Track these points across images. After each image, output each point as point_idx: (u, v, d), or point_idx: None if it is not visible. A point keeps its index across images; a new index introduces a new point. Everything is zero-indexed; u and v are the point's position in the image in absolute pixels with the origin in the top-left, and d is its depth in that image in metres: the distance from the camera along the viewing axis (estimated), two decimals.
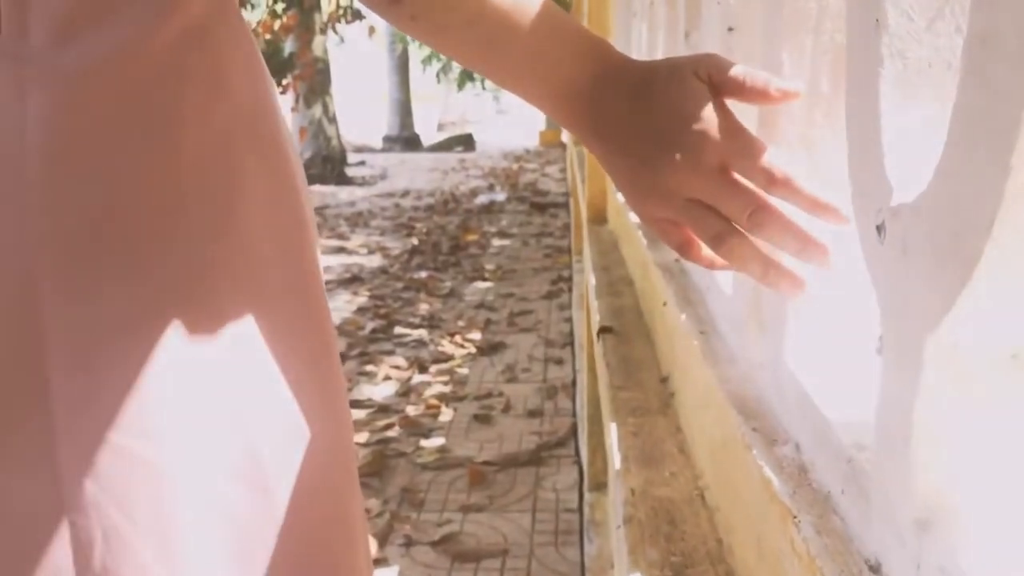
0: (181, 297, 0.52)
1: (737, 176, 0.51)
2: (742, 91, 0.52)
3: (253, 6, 8.84)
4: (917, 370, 0.35)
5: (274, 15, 8.62)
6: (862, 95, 0.40)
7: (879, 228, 0.38)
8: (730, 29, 0.75)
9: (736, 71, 0.53)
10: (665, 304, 0.97)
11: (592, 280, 1.53)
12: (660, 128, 0.52)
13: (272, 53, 8.84)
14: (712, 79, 0.52)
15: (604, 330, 1.16)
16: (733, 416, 0.60)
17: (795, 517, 0.45)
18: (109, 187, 0.50)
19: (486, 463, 2.50)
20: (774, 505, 0.49)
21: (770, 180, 0.49)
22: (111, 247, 0.50)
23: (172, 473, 0.51)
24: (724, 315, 0.77)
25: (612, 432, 0.83)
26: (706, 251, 0.53)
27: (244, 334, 0.54)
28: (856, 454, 0.44)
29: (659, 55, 1.32)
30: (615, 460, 0.77)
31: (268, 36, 8.77)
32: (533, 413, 2.86)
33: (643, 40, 1.54)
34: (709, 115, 0.51)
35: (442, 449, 2.61)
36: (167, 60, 0.52)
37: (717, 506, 0.67)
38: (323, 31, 9.22)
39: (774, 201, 0.50)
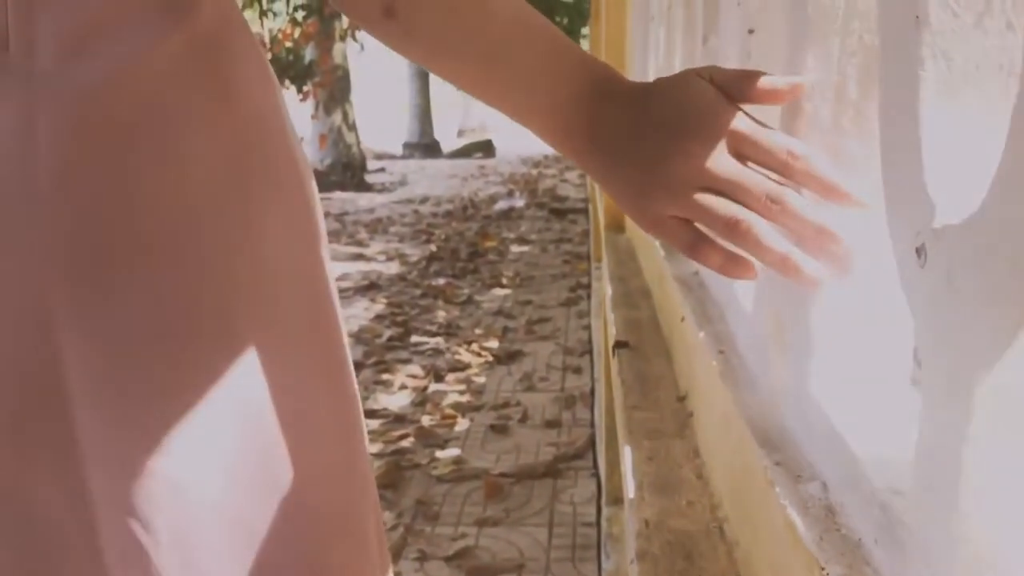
0: (194, 312, 0.51)
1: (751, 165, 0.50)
2: (747, 91, 0.50)
3: (275, 14, 8.87)
4: (965, 412, 0.31)
5: (294, 22, 8.65)
6: (899, 101, 0.36)
7: (919, 251, 0.34)
8: (750, 32, 0.71)
9: (739, 71, 0.51)
10: (683, 319, 0.92)
11: (608, 291, 1.48)
12: (668, 124, 0.51)
13: (292, 60, 8.87)
14: (715, 82, 0.51)
15: (619, 344, 1.12)
16: (754, 447, 0.55)
17: (823, 568, 0.41)
18: (119, 204, 0.50)
19: (502, 475, 2.46)
20: (798, 551, 0.44)
21: (790, 157, 0.47)
22: (123, 264, 0.50)
23: (192, 489, 0.51)
24: (744, 334, 0.73)
25: (626, 457, 0.78)
26: (717, 253, 0.50)
27: (257, 348, 0.54)
28: (891, 499, 0.40)
29: (677, 59, 1.28)
30: (629, 488, 0.73)
31: (289, 44, 8.80)
32: (551, 423, 2.81)
33: (661, 44, 1.50)
34: (719, 106, 0.50)
35: (458, 460, 2.57)
36: (174, 73, 0.51)
37: (736, 541, 0.63)
38: (343, 38, 9.23)
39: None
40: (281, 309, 0.56)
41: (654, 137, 0.51)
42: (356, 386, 0.64)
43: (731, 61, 0.81)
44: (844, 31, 0.51)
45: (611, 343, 1.20)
